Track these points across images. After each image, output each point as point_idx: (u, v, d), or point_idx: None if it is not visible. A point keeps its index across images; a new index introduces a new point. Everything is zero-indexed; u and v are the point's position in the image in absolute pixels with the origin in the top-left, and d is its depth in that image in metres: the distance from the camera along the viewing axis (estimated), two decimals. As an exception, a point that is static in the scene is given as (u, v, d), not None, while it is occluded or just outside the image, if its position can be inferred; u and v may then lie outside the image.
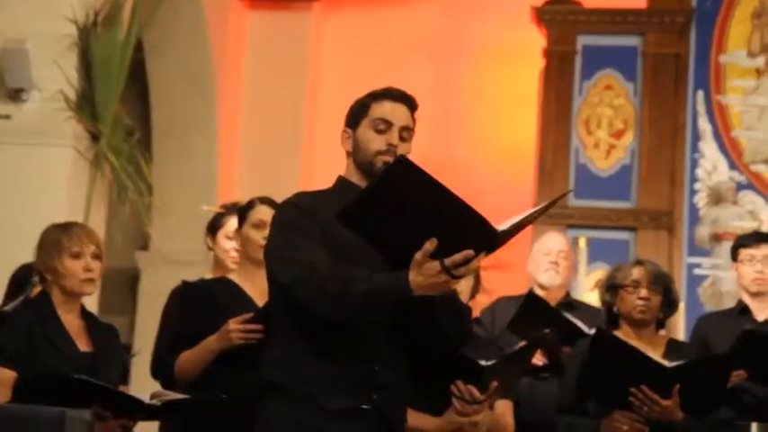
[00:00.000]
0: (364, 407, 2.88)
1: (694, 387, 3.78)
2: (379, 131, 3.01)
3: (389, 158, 2.93)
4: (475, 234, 2.68)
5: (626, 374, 3.79)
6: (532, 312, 4.58)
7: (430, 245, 2.68)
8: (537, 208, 2.86)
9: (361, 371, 2.88)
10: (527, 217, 2.78)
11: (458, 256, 2.68)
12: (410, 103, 3.07)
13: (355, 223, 2.75)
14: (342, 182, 3.08)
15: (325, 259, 2.84)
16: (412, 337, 2.99)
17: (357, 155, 3.03)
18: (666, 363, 3.79)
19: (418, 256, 2.69)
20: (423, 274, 2.70)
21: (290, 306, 2.88)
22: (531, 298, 4.69)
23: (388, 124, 3.01)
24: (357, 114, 3.06)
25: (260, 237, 3.77)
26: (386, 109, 3.03)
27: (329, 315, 2.79)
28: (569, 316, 4.61)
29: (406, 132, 3.03)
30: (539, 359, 4.62)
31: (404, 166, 2.68)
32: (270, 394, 2.92)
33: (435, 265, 2.69)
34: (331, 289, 2.77)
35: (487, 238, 2.69)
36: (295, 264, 2.85)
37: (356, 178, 3.04)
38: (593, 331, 4.30)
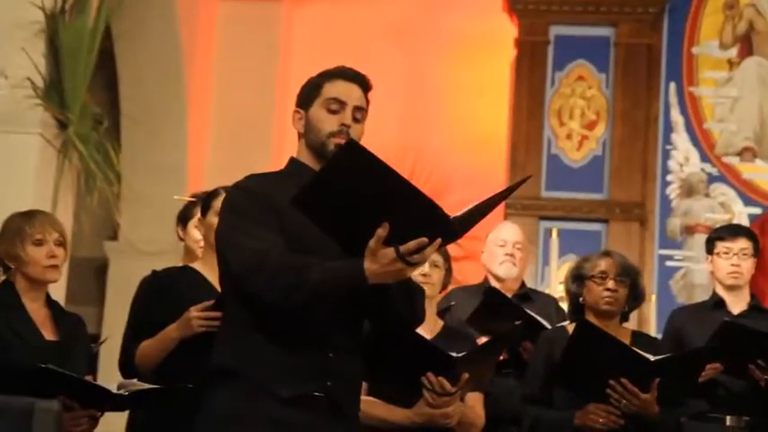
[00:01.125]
0: (316, 394, 2.80)
1: (670, 379, 3.77)
2: (332, 112, 2.93)
3: (342, 140, 2.85)
4: (428, 220, 2.62)
5: (606, 366, 3.77)
6: (492, 307, 4.55)
7: (382, 231, 2.60)
8: (493, 195, 2.76)
9: (314, 358, 2.81)
10: (483, 203, 2.71)
11: (411, 244, 2.61)
12: (363, 83, 2.99)
13: (309, 209, 2.67)
14: (294, 163, 2.99)
15: (276, 246, 2.76)
16: (366, 320, 2.94)
17: (309, 136, 2.95)
18: (650, 356, 3.77)
19: (372, 243, 2.62)
20: (377, 261, 2.63)
21: (241, 294, 2.81)
22: (490, 292, 4.65)
23: (341, 104, 2.93)
24: (309, 94, 2.98)
25: None
26: (339, 89, 2.95)
27: (281, 305, 2.72)
28: (529, 311, 4.58)
29: (360, 113, 2.95)
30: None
31: (352, 151, 2.61)
32: (219, 379, 2.84)
33: (390, 251, 2.62)
34: (282, 279, 2.70)
35: (440, 225, 2.63)
36: (245, 252, 2.77)
37: (308, 159, 2.95)
38: (564, 324, 4.28)
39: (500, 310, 4.51)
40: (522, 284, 5.00)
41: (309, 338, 2.81)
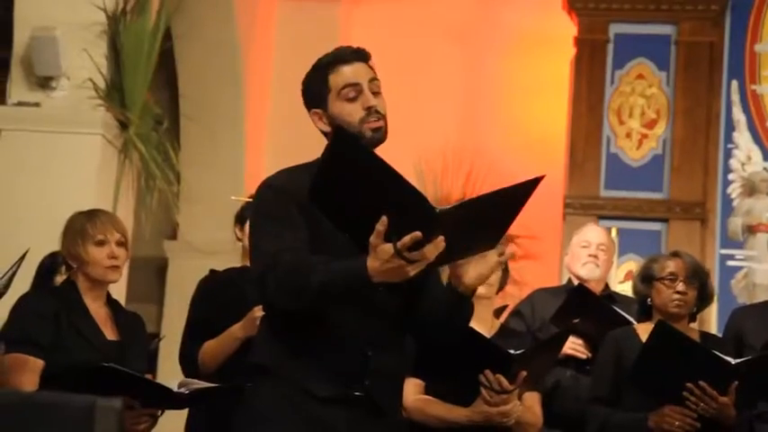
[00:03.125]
0: (356, 394, 2.74)
1: (746, 382, 3.72)
2: (352, 99, 2.82)
3: (378, 121, 2.80)
4: (420, 214, 2.46)
5: (684, 369, 3.72)
6: (577, 304, 4.53)
7: (381, 225, 2.46)
8: (496, 192, 2.56)
9: (353, 356, 2.74)
10: (480, 200, 2.53)
11: (406, 238, 2.45)
12: (363, 56, 2.89)
13: (323, 205, 2.58)
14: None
15: (291, 246, 2.69)
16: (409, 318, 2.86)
17: None
18: (731, 359, 3.72)
19: (372, 238, 2.49)
20: (378, 258, 2.49)
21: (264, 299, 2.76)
22: (576, 289, 4.64)
23: (357, 87, 2.82)
24: (318, 92, 2.88)
25: None
26: (346, 74, 2.83)
27: (290, 308, 2.66)
28: (615, 307, 4.55)
29: (375, 85, 2.84)
30: (583, 352, 4.58)
31: (339, 137, 2.53)
32: (257, 378, 2.80)
33: (389, 247, 2.48)
34: (288, 282, 2.62)
35: (427, 218, 2.46)
36: (261, 255, 2.72)
37: None
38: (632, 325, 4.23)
39: (585, 308, 4.49)
40: (606, 286, 4.98)
41: (347, 337, 2.75)
